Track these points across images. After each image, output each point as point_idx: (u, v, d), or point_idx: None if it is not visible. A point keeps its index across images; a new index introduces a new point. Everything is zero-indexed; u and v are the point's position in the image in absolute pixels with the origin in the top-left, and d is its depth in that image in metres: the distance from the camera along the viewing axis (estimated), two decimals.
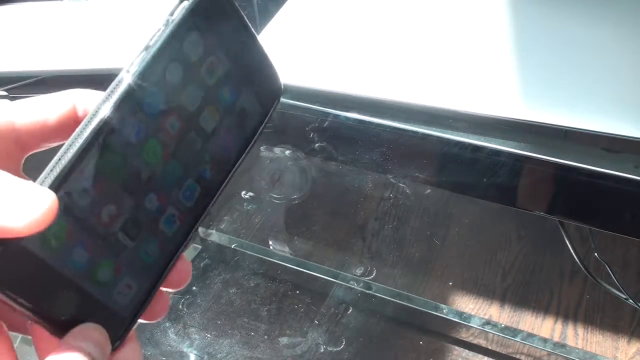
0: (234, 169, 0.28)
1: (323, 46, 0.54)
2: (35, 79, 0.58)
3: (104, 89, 0.25)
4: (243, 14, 0.27)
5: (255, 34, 0.28)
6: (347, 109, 0.49)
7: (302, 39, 0.55)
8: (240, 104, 0.27)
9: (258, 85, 0.28)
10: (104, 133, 0.23)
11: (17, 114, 0.25)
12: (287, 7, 0.58)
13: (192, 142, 0.26)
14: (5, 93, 0.58)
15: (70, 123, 0.25)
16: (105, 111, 0.23)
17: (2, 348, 0.24)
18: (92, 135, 0.23)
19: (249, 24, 0.27)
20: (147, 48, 0.24)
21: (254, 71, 0.28)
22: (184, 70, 0.25)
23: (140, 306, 0.26)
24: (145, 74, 0.24)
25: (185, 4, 0.25)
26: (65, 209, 0.23)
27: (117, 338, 0.25)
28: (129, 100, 0.24)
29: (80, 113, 0.26)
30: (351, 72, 0.50)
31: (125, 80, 0.24)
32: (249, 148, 0.28)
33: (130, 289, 0.25)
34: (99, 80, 0.58)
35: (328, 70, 0.51)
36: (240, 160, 0.28)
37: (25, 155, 0.26)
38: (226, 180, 0.27)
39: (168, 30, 0.24)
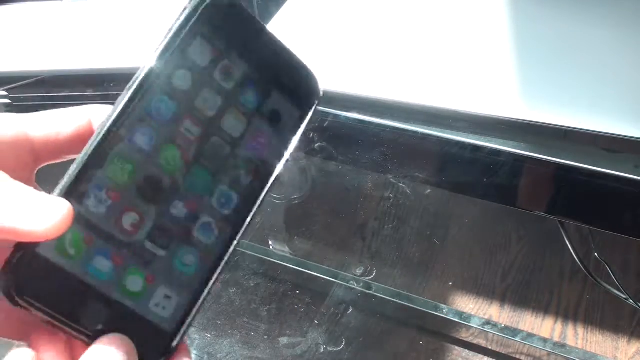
0: (274, 174, 0.27)
1: (323, 46, 0.54)
2: (35, 79, 0.58)
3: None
4: (254, 16, 0.27)
5: (274, 35, 0.27)
6: (347, 109, 0.49)
7: (302, 39, 0.55)
8: (271, 106, 0.27)
9: (289, 87, 0.27)
10: (110, 141, 0.24)
11: (31, 125, 0.25)
12: (287, 7, 0.58)
13: (217, 147, 0.26)
14: (5, 93, 0.58)
15: (86, 138, 0.26)
16: (111, 120, 0.24)
17: (57, 349, 0.24)
18: (98, 144, 0.23)
19: (265, 27, 0.27)
20: (151, 55, 0.24)
21: (281, 73, 0.27)
22: (193, 76, 0.25)
23: (185, 318, 0.25)
24: (150, 80, 0.24)
25: (187, 9, 0.25)
26: (79, 217, 0.23)
27: (164, 351, 0.25)
28: (136, 108, 0.24)
29: (95, 128, 0.26)
30: (351, 72, 0.50)
31: (132, 88, 0.24)
32: (289, 150, 0.27)
33: (170, 301, 0.25)
34: (99, 80, 0.58)
35: (328, 70, 0.51)
36: (281, 163, 0.27)
37: (39, 166, 0.27)
38: (267, 186, 0.27)
39: (170, 36, 0.25)
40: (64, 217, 0.22)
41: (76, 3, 0.66)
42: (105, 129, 0.24)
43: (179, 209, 0.25)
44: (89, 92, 0.56)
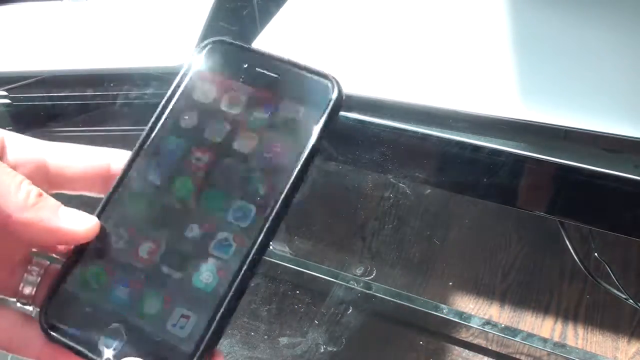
0: (292, 179, 0.27)
1: (323, 46, 0.54)
2: (35, 79, 0.58)
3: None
4: (251, 46, 0.29)
5: (275, 54, 0.28)
6: (347, 109, 0.49)
7: (302, 39, 0.55)
8: (282, 117, 0.27)
9: (299, 95, 0.28)
10: (128, 181, 0.27)
11: (51, 152, 0.28)
12: (287, 7, 0.58)
13: (230, 167, 0.27)
14: (5, 93, 0.58)
15: (101, 178, 0.28)
16: (127, 161, 0.27)
17: None
18: (116, 185, 0.27)
19: (263, 50, 0.29)
20: (162, 100, 0.28)
21: (287, 85, 0.28)
22: (200, 112, 0.28)
23: (204, 336, 0.25)
24: (159, 124, 0.28)
25: (191, 56, 0.28)
26: (100, 251, 0.26)
27: None
28: (147, 149, 0.27)
29: (113, 171, 0.29)
30: (351, 72, 0.50)
31: (144, 132, 0.27)
32: (307, 153, 0.27)
33: (188, 320, 0.25)
34: (99, 80, 0.58)
35: (328, 70, 0.51)
36: (298, 169, 0.27)
37: (51, 192, 0.28)
38: (286, 190, 0.26)
39: (175, 83, 0.28)
40: (95, 225, 0.27)
41: (76, 3, 0.66)
42: (122, 171, 0.27)
43: (194, 230, 0.26)
44: (89, 92, 0.56)
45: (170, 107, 0.28)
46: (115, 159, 0.29)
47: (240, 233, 0.26)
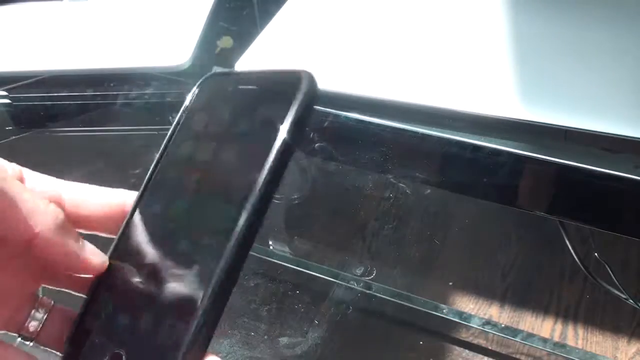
0: (265, 175, 0.27)
1: (323, 46, 0.54)
2: (35, 79, 0.58)
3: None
4: (231, 70, 0.31)
5: (252, 69, 0.31)
6: (347, 109, 0.49)
7: (302, 39, 0.55)
8: (258, 121, 0.29)
9: (274, 98, 0.29)
10: (132, 219, 0.29)
11: (66, 189, 0.29)
12: (287, 7, 0.58)
13: (216, 180, 0.28)
14: (5, 93, 0.58)
15: (116, 218, 0.30)
16: (134, 201, 0.29)
17: None
18: (124, 225, 0.29)
19: (242, 70, 0.32)
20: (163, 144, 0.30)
21: (264, 92, 0.29)
22: (193, 140, 0.30)
23: (183, 339, 0.25)
24: (162, 163, 0.30)
25: (187, 101, 0.31)
26: (111, 288, 0.28)
27: None
28: (150, 186, 0.29)
29: (126, 210, 0.30)
30: (351, 72, 0.50)
31: (149, 171, 0.30)
32: (279, 146, 0.27)
33: (173, 328, 0.26)
34: (99, 80, 0.58)
35: (328, 70, 0.51)
36: (270, 163, 0.27)
37: None
38: (260, 184, 0.27)
39: (173, 127, 0.30)
40: (105, 260, 0.28)
41: (76, 3, 0.66)
42: (131, 209, 0.29)
43: (184, 245, 0.27)
44: (89, 92, 0.56)
45: (170, 144, 0.30)
46: (129, 199, 0.30)
47: (217, 234, 0.27)
